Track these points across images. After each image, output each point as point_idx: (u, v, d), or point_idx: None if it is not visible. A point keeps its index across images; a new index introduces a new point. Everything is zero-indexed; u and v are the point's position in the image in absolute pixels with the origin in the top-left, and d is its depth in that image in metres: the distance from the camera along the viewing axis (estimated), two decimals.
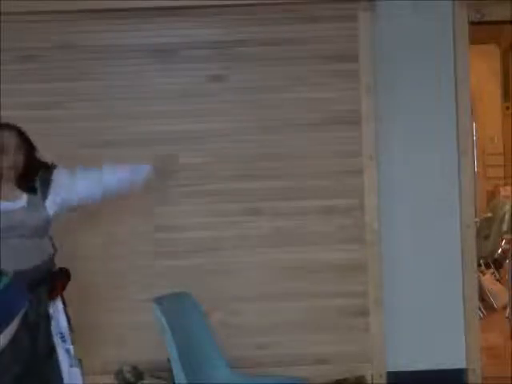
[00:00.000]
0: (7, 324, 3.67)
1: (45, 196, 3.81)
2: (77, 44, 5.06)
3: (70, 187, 3.87)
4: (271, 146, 5.11)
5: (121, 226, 5.07)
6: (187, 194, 5.09)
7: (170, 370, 3.86)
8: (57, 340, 3.79)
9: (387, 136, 5.09)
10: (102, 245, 5.03)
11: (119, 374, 4.91)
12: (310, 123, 5.10)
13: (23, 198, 3.77)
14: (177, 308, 4.02)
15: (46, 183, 3.82)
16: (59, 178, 3.86)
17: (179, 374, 3.76)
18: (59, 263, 3.93)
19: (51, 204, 3.82)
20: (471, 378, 5.10)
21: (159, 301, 3.89)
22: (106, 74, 5.09)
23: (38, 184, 3.81)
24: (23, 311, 3.70)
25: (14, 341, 3.63)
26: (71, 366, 3.83)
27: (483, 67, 9.32)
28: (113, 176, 4.00)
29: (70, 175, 3.91)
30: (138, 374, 4.91)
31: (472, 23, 5.13)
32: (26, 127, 3.95)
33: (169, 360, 3.84)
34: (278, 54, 5.10)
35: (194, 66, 5.11)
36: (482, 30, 5.54)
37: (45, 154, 3.96)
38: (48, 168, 3.88)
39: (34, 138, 3.95)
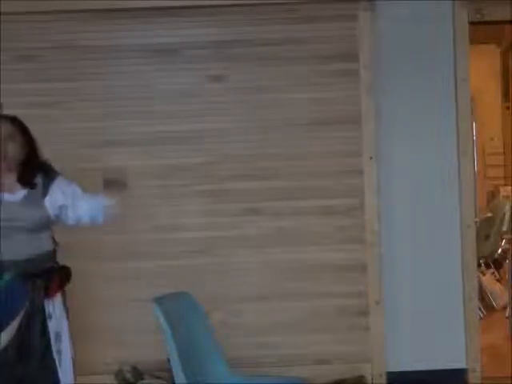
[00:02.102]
0: (8, 323, 3.68)
1: (44, 195, 3.80)
2: (77, 44, 5.06)
3: (69, 204, 3.85)
4: (271, 146, 5.11)
5: (120, 225, 5.07)
6: (187, 193, 5.09)
7: (170, 370, 3.86)
8: (52, 339, 3.80)
9: (387, 136, 5.09)
10: (102, 245, 5.03)
11: (119, 374, 4.91)
12: (310, 123, 5.10)
13: (22, 192, 3.78)
14: (177, 308, 4.01)
15: (47, 183, 3.81)
16: (61, 186, 3.85)
17: (179, 374, 3.75)
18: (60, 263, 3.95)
19: (49, 205, 3.81)
20: (471, 378, 5.10)
21: (159, 301, 3.89)
22: (106, 74, 5.09)
23: (39, 180, 3.80)
24: (24, 310, 3.71)
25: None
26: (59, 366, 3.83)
27: (483, 67, 9.31)
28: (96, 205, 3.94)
29: (71, 191, 3.87)
30: (138, 374, 4.91)
31: (472, 23, 5.13)
32: None
33: (169, 360, 3.84)
34: (278, 54, 5.10)
35: (194, 66, 5.11)
36: (481, 30, 5.54)
37: (45, 154, 3.96)
38: (52, 169, 3.87)
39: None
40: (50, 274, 3.79)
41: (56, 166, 3.93)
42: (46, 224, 3.83)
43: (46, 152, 3.96)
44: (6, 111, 4.69)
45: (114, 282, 5.05)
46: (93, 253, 5.00)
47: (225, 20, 5.09)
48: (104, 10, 4.99)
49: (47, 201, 3.80)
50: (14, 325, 3.69)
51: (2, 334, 3.67)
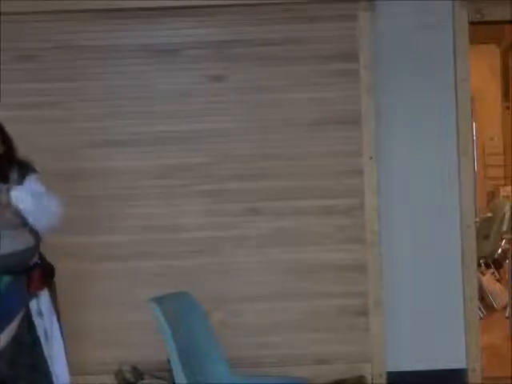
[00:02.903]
0: (7, 324, 3.68)
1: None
2: (77, 44, 5.06)
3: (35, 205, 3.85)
4: (271, 146, 5.11)
5: (120, 225, 5.07)
6: (187, 193, 5.09)
7: (170, 370, 3.86)
8: (41, 338, 3.80)
9: (387, 136, 5.09)
10: (102, 245, 5.03)
11: (119, 374, 4.91)
12: (310, 123, 5.10)
13: None
14: (177, 308, 4.01)
15: (22, 177, 3.83)
16: (33, 184, 3.85)
17: (179, 374, 3.75)
18: (59, 263, 3.94)
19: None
20: (471, 377, 5.10)
21: (159, 301, 3.89)
22: (106, 74, 5.09)
23: (14, 175, 3.82)
24: (23, 313, 3.71)
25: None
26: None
27: (483, 67, 9.31)
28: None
29: (38, 194, 3.87)
30: (138, 374, 4.91)
31: (472, 23, 5.13)
32: (25, 127, 3.96)
33: (169, 360, 3.84)
34: (278, 54, 5.10)
35: (194, 66, 5.11)
36: (481, 30, 5.55)
37: (45, 154, 3.97)
38: (28, 166, 3.87)
39: (33, 138, 3.96)
40: (32, 270, 3.80)
41: (56, 166, 3.94)
42: (23, 219, 3.81)
43: (46, 152, 3.96)
44: (6, 111, 4.69)
45: (114, 282, 5.04)
46: (93, 253, 5.00)
47: (225, 20, 5.09)
48: (104, 10, 4.99)
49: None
50: (12, 327, 3.68)
51: (1, 335, 3.67)
